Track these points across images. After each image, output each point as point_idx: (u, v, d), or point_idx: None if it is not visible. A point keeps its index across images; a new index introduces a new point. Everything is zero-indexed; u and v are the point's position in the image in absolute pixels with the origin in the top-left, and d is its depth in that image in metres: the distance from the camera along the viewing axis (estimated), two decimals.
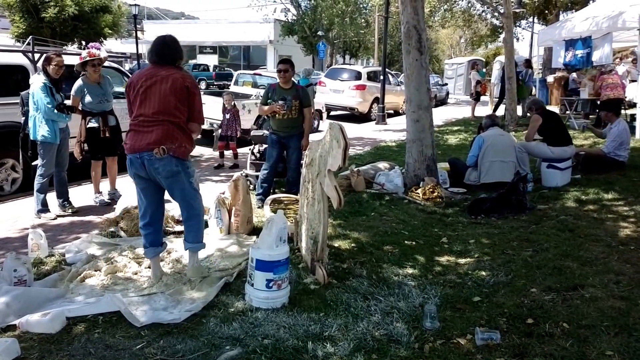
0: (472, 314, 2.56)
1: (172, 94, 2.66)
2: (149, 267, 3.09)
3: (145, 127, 2.66)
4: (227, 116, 6.61)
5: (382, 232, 3.87)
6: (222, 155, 6.76)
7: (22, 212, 4.44)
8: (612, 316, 2.50)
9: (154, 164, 2.63)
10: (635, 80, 9.42)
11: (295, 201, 4.27)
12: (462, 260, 3.33)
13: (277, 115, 4.58)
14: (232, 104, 6.68)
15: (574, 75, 11.43)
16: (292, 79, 4.70)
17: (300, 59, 32.19)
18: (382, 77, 12.34)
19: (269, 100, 4.63)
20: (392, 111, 14.40)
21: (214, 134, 6.96)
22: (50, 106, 4.09)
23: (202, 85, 25.14)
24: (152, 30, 36.49)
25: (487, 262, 3.26)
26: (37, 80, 4.16)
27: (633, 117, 8.72)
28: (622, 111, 9.55)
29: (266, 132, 5.31)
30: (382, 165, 5.79)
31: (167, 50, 2.76)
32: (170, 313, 2.52)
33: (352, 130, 10.36)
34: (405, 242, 3.66)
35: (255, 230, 3.87)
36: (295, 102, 4.53)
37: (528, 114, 5.68)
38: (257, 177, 5.18)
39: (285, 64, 4.56)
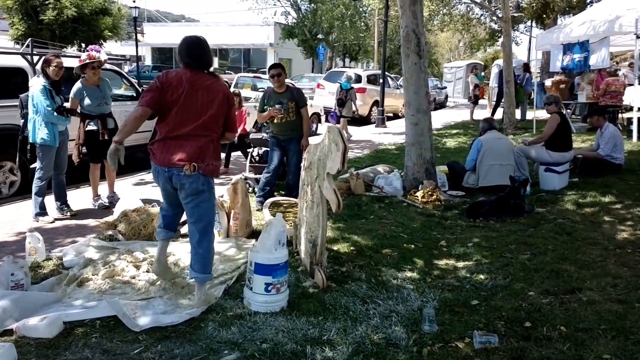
0: (471, 317, 2.56)
1: (214, 107, 2.55)
2: (148, 271, 3.08)
3: (178, 140, 2.51)
4: None
5: (381, 235, 3.88)
6: None
7: (20, 216, 4.43)
8: (609, 319, 2.51)
9: (182, 180, 2.51)
10: (632, 84, 9.46)
11: (295, 204, 4.27)
12: (460, 264, 3.33)
13: (275, 120, 4.60)
14: None
15: (578, 79, 11.49)
16: (287, 81, 4.74)
17: (300, 61, 32.31)
18: (381, 81, 12.38)
19: (265, 107, 4.68)
20: (391, 114, 14.43)
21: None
22: (50, 109, 4.09)
23: None
24: (152, 33, 36.55)
25: (485, 266, 3.27)
26: (36, 83, 4.16)
27: (630, 121, 8.74)
28: (620, 115, 9.61)
29: (265, 135, 5.32)
30: (382, 168, 5.80)
31: (204, 53, 2.61)
32: (169, 316, 2.52)
33: (352, 133, 10.37)
34: (404, 245, 3.66)
35: (254, 234, 3.87)
36: (291, 104, 4.56)
37: (545, 107, 5.72)
38: (256, 180, 5.19)
39: (277, 68, 4.57)
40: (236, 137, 5.99)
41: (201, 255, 2.66)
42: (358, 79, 13.54)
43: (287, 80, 11.53)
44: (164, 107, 2.53)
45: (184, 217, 4.09)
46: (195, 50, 2.60)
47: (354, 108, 9.57)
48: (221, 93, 2.59)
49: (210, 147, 2.58)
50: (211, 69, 2.68)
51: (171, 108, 2.52)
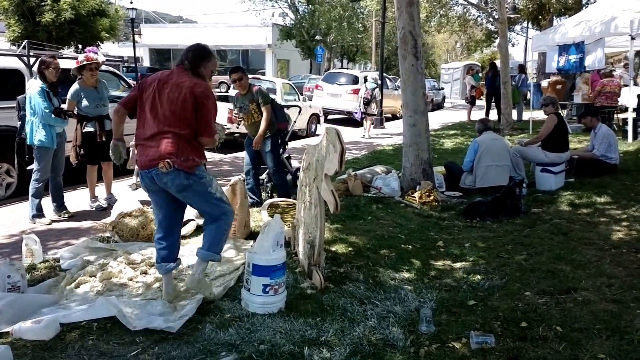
0: (467, 317, 2.57)
1: (177, 104, 2.46)
2: (145, 274, 3.08)
3: (150, 141, 2.49)
4: None
5: (379, 236, 3.89)
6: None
7: (17, 217, 4.42)
8: (604, 319, 2.52)
9: (162, 179, 2.47)
10: (627, 85, 9.51)
11: (293, 205, 4.28)
12: (457, 264, 3.35)
13: (243, 122, 4.69)
14: None
15: (579, 79, 11.55)
16: (283, 82, 4.81)
17: (299, 63, 32.33)
18: (379, 82, 12.41)
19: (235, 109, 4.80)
20: (389, 115, 14.46)
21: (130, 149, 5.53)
22: (47, 111, 4.09)
23: None
24: (149, 34, 36.46)
25: (482, 266, 3.28)
26: (34, 85, 4.16)
27: (625, 122, 8.79)
28: (615, 115, 9.65)
29: None
30: (379, 169, 5.82)
31: (191, 55, 2.57)
32: (166, 319, 2.51)
33: (349, 134, 10.39)
34: (402, 245, 3.67)
35: (253, 235, 3.87)
36: (252, 106, 4.57)
37: (542, 108, 5.75)
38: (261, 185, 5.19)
39: (237, 73, 4.57)
40: None
41: (210, 231, 2.64)
42: (356, 80, 13.57)
43: (283, 81, 11.66)
44: (140, 109, 2.57)
45: (186, 217, 4.10)
46: (190, 48, 2.61)
47: (377, 107, 10.66)
48: (187, 89, 2.47)
49: (180, 142, 2.46)
50: (200, 69, 2.57)
51: (142, 109, 2.54)
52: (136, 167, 5.38)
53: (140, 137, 2.56)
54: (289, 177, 5.73)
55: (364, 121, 10.47)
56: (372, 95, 10.07)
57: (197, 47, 2.64)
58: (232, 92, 11.58)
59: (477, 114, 12.78)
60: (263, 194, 4.98)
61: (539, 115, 9.60)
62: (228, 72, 4.82)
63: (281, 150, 5.50)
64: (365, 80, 10.97)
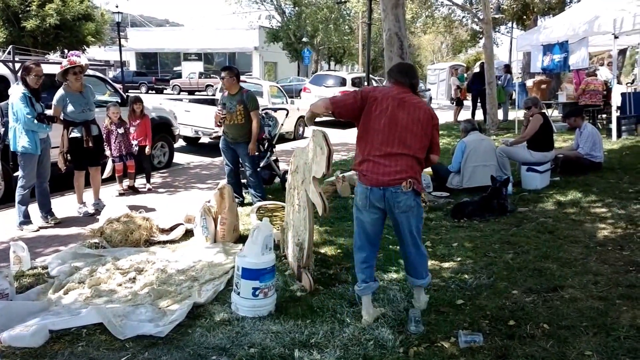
0: (456, 317, 2.60)
1: (419, 126, 2.52)
2: (134, 279, 3.06)
3: (384, 159, 2.48)
4: (120, 131, 5.41)
5: None
6: (122, 180, 5.56)
7: (4, 224, 4.35)
8: (590, 316, 2.57)
9: (398, 197, 2.46)
10: (610, 85, 9.69)
11: (282, 208, 4.28)
12: (445, 264, 3.38)
13: (225, 121, 4.69)
14: (119, 117, 5.44)
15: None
16: (272, 84, 4.82)
17: (286, 65, 32.36)
18: (366, 83, 12.49)
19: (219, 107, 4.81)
20: None
21: (107, 160, 5.46)
22: (30, 117, 4.04)
23: (143, 89, 26.62)
24: (135, 38, 36.18)
25: (469, 265, 3.32)
26: (16, 91, 4.11)
27: (609, 120, 8.95)
28: (599, 114, 9.83)
29: None
30: None
31: (415, 74, 2.71)
32: (156, 325, 2.50)
33: (338, 135, 10.42)
34: (390, 246, 3.69)
35: (242, 238, 3.87)
36: (239, 107, 4.60)
37: (525, 111, 5.81)
38: (244, 185, 5.19)
39: (225, 71, 4.67)
40: (136, 148, 5.68)
41: (420, 261, 2.66)
42: (343, 82, 13.62)
43: (270, 84, 11.69)
44: (368, 122, 2.55)
45: (175, 221, 4.09)
46: (408, 69, 2.74)
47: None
48: (427, 111, 2.56)
49: (415, 166, 2.53)
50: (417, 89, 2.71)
51: (373, 123, 2.53)
52: (118, 175, 5.49)
53: (371, 153, 2.52)
54: (277, 180, 5.75)
55: None
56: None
57: (412, 66, 2.88)
58: (219, 95, 11.58)
59: (463, 115, 12.92)
60: (247, 195, 5.01)
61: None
62: (220, 69, 4.86)
63: (269, 154, 5.52)
64: None
